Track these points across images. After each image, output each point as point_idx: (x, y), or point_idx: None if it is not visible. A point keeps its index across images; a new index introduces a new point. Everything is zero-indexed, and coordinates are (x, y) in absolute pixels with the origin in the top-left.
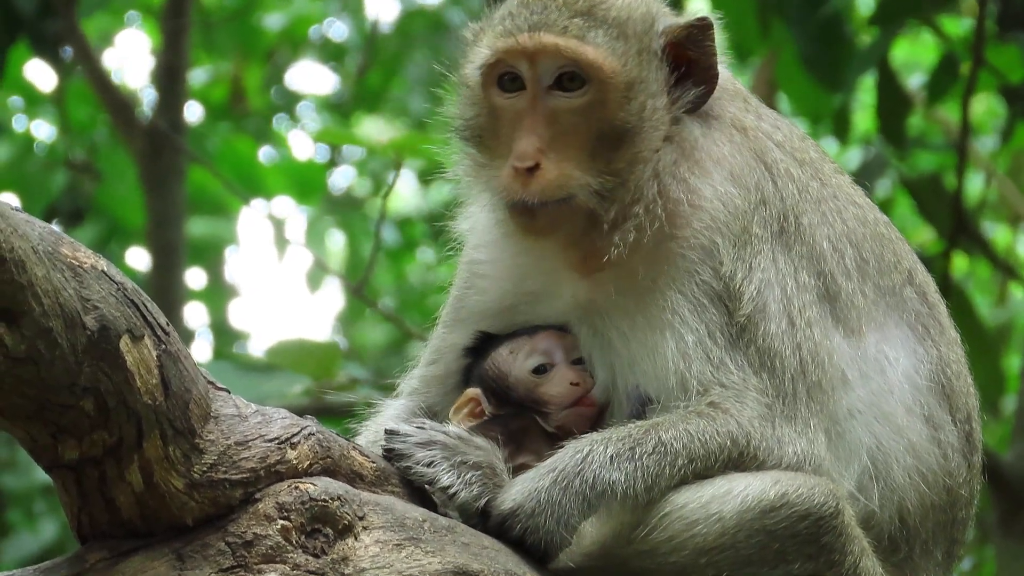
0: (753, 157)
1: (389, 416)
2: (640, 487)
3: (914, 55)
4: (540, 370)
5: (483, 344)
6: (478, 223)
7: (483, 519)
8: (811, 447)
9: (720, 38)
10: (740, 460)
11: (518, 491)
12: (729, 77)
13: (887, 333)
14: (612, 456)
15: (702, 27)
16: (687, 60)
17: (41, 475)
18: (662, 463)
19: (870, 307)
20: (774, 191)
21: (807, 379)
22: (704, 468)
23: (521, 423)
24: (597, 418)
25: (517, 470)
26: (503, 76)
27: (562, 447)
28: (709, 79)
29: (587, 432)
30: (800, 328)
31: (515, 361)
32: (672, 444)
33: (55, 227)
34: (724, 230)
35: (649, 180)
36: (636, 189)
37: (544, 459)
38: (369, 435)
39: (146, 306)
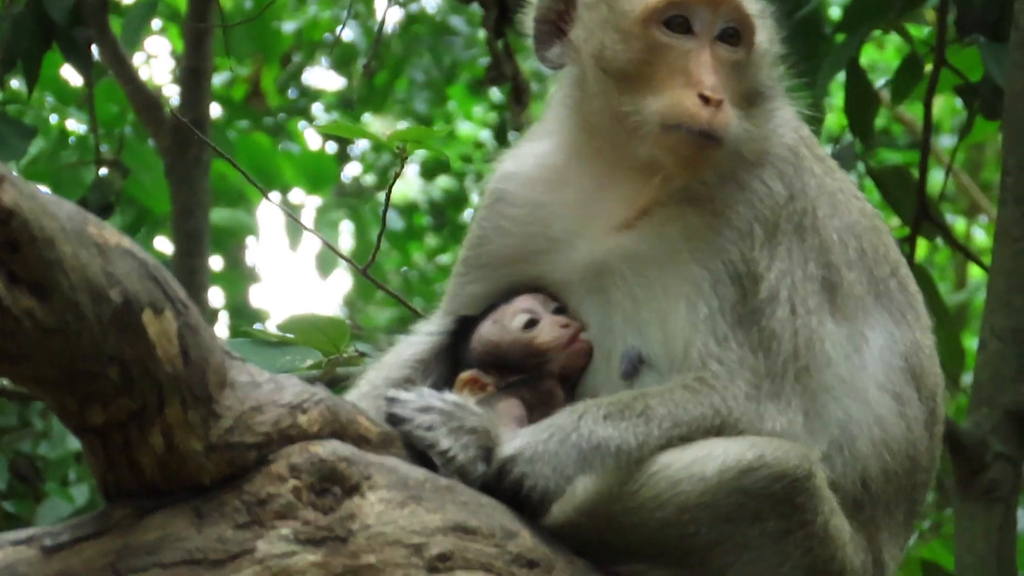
0: (791, 151)
1: (403, 352)
2: (632, 444)
3: (877, 59)
4: (530, 324)
5: (461, 328)
6: (526, 161)
7: (485, 468)
8: (790, 426)
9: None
10: (721, 430)
11: (519, 441)
12: None
13: (870, 317)
14: (605, 415)
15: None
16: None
17: (73, 444)
18: (650, 424)
19: (863, 295)
20: (801, 187)
21: (798, 363)
22: (688, 433)
23: (534, 389)
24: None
25: None
26: (672, 18)
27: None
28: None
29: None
30: (800, 316)
31: (503, 327)
32: (658, 409)
33: (80, 209)
34: (762, 220)
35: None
36: (761, 149)
37: None
38: (373, 375)
39: (167, 281)
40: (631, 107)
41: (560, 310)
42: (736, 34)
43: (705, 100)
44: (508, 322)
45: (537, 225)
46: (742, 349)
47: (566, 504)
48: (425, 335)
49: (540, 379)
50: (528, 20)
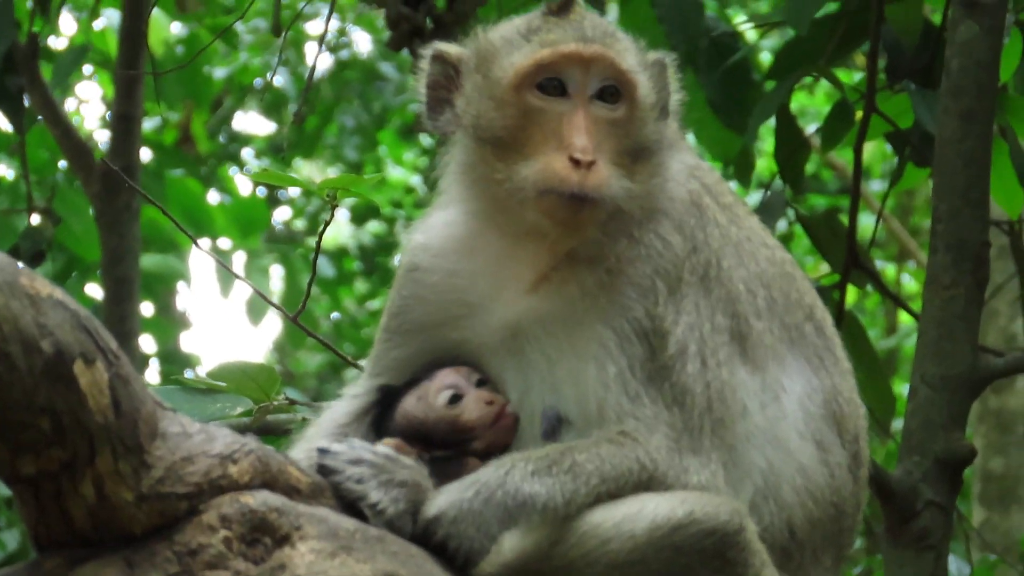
0: (692, 202)
1: (328, 419)
2: (559, 501)
3: (808, 104)
4: (454, 400)
5: (385, 398)
6: (435, 232)
7: (412, 526)
8: (713, 478)
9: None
10: (649, 484)
11: (443, 500)
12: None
13: (786, 365)
14: (532, 471)
15: (665, 64)
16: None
17: (3, 489)
18: (577, 481)
19: (775, 343)
20: (704, 238)
21: (712, 415)
22: (616, 489)
23: (456, 465)
24: (515, 434)
25: None
26: (545, 81)
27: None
28: (665, 114)
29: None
30: (711, 368)
31: (427, 403)
32: (586, 465)
33: (12, 259)
34: (663, 274)
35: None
36: (649, 206)
37: None
38: (308, 440)
39: (98, 332)
40: (505, 174)
41: (483, 382)
42: (615, 91)
43: (576, 163)
44: (432, 399)
45: (453, 292)
46: (655, 405)
47: (494, 561)
48: (351, 398)
49: (462, 458)
50: (419, 86)
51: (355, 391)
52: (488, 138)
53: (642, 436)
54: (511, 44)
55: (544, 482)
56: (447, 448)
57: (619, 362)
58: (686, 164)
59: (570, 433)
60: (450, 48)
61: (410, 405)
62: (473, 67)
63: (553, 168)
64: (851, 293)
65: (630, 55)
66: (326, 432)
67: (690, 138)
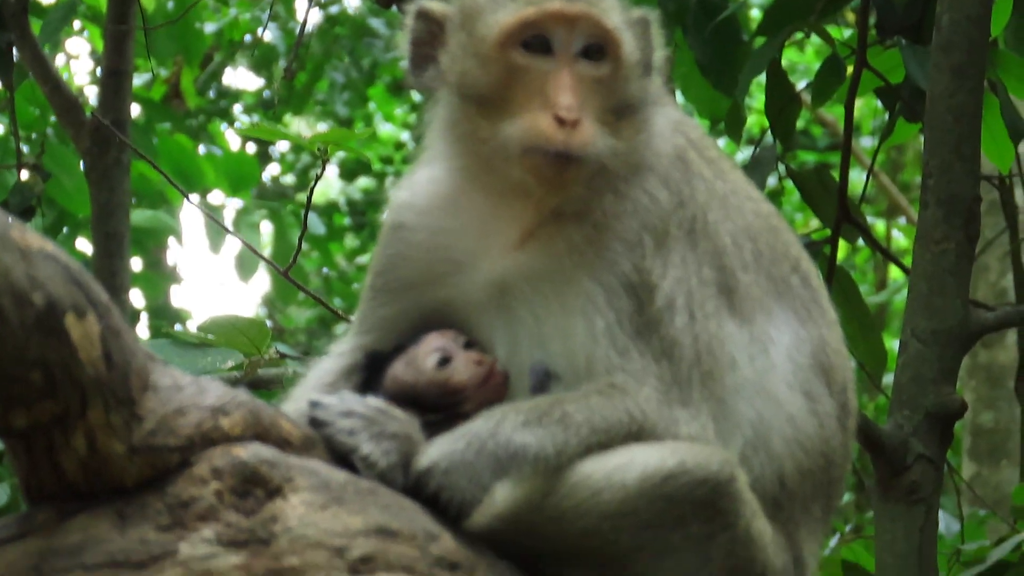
0: (677, 157)
1: (316, 375)
2: (550, 451)
3: (798, 61)
4: (443, 362)
5: (372, 364)
6: (420, 189)
7: (404, 478)
8: (702, 430)
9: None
10: (639, 436)
11: (434, 451)
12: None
13: (774, 317)
14: (523, 422)
15: (648, 22)
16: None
17: None
18: (568, 432)
19: (762, 296)
20: (690, 193)
21: (701, 368)
22: (606, 440)
23: (448, 428)
24: (506, 393)
25: None
26: (530, 39)
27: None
28: (650, 70)
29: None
30: (699, 321)
31: (417, 368)
32: (576, 416)
33: (3, 212)
34: (650, 229)
35: (626, 159)
36: (634, 162)
37: None
38: (296, 399)
39: (89, 285)
40: (489, 132)
41: (470, 344)
42: (600, 49)
43: (561, 121)
44: (421, 363)
45: (439, 250)
46: (644, 359)
47: (486, 512)
48: (338, 356)
49: (455, 422)
50: (404, 43)
51: (342, 349)
52: (472, 96)
53: (631, 389)
54: (496, 2)
55: (535, 432)
56: (438, 411)
57: (607, 316)
58: (671, 119)
59: (558, 388)
60: (434, 5)
61: (399, 370)
62: (458, 24)
63: (538, 126)
64: (842, 248)
65: (614, 13)
66: (314, 389)
67: (678, 97)
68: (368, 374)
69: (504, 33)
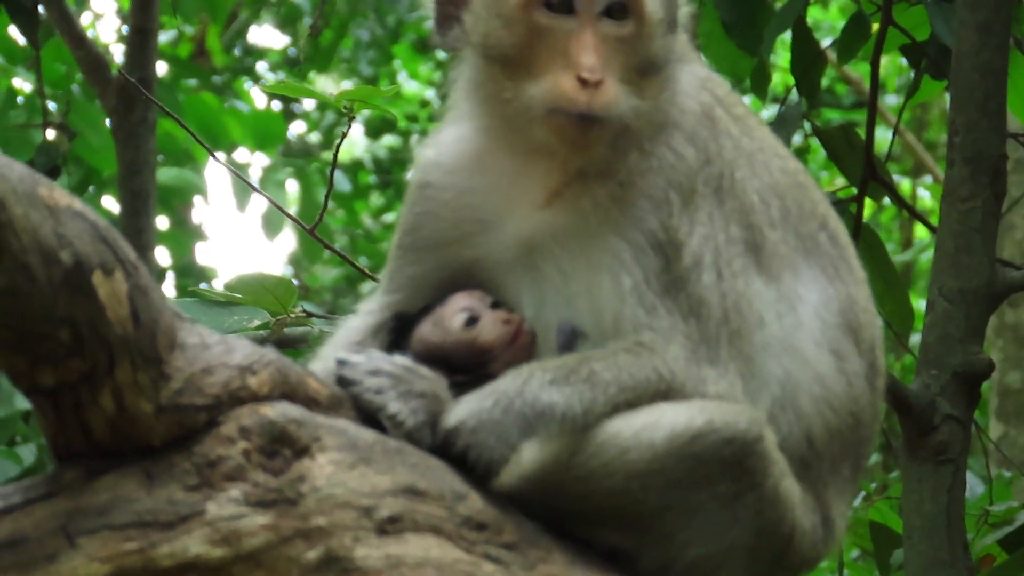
0: (704, 114)
1: (343, 334)
2: (577, 410)
3: (822, 19)
4: (470, 323)
5: (399, 325)
6: (446, 148)
7: (432, 437)
8: (731, 388)
9: None
10: (667, 395)
11: (462, 410)
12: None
13: (801, 275)
14: (550, 380)
15: None
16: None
17: (22, 402)
18: (595, 390)
19: (790, 253)
20: (717, 150)
21: (729, 326)
22: (634, 398)
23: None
24: (534, 353)
25: None
26: None
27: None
28: (674, 27)
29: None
30: (727, 279)
31: (444, 328)
32: (604, 374)
33: (32, 170)
34: (677, 186)
35: (651, 119)
36: (660, 120)
37: None
38: (324, 358)
39: (117, 243)
40: (513, 93)
41: (497, 304)
42: (623, 8)
43: (584, 82)
44: (448, 323)
45: (466, 210)
46: (672, 316)
47: (513, 472)
48: (366, 314)
49: (484, 382)
50: (428, 1)
51: (370, 307)
52: (496, 56)
53: (659, 347)
54: None
55: (562, 391)
56: (466, 372)
57: (634, 274)
58: (697, 76)
59: (586, 347)
60: None
61: (426, 331)
62: None
63: (561, 87)
64: (868, 207)
65: None
66: (342, 348)
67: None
68: (396, 335)
69: (507, 12)
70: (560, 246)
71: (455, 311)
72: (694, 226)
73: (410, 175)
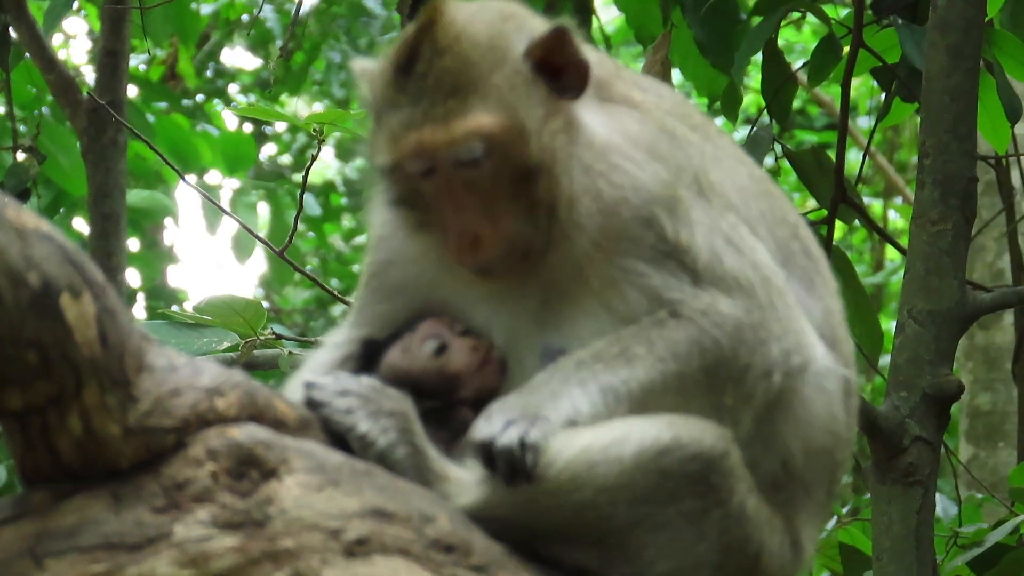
0: (657, 129)
1: (311, 366)
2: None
3: (795, 40)
4: (440, 351)
5: (368, 352)
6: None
7: (406, 451)
8: (810, 340)
9: (576, 38)
10: (736, 348)
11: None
12: (599, 59)
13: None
14: (598, 361)
15: (559, 36)
16: (555, 65)
17: None
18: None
19: (774, 258)
20: (684, 157)
21: (774, 283)
22: (715, 363)
23: (448, 421)
24: (504, 378)
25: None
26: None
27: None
28: (581, 73)
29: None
30: (747, 253)
31: (412, 355)
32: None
33: None
34: (659, 201)
35: (573, 184)
36: (567, 202)
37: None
38: (293, 386)
39: (85, 265)
40: (419, 235)
41: (466, 332)
42: (473, 160)
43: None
44: (417, 350)
45: (428, 259)
46: (710, 293)
47: (485, 486)
48: (333, 347)
49: (453, 409)
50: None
51: (337, 339)
52: (395, 204)
53: (712, 311)
54: (374, 114)
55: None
56: (435, 397)
57: (658, 275)
58: (637, 99)
59: None
60: (366, 66)
61: (395, 358)
62: (368, 107)
63: (451, 248)
64: (838, 229)
65: (479, 106)
66: (316, 373)
67: (676, 75)
68: (363, 362)
69: (384, 169)
70: (541, 290)
71: (423, 338)
72: (693, 225)
73: (370, 218)
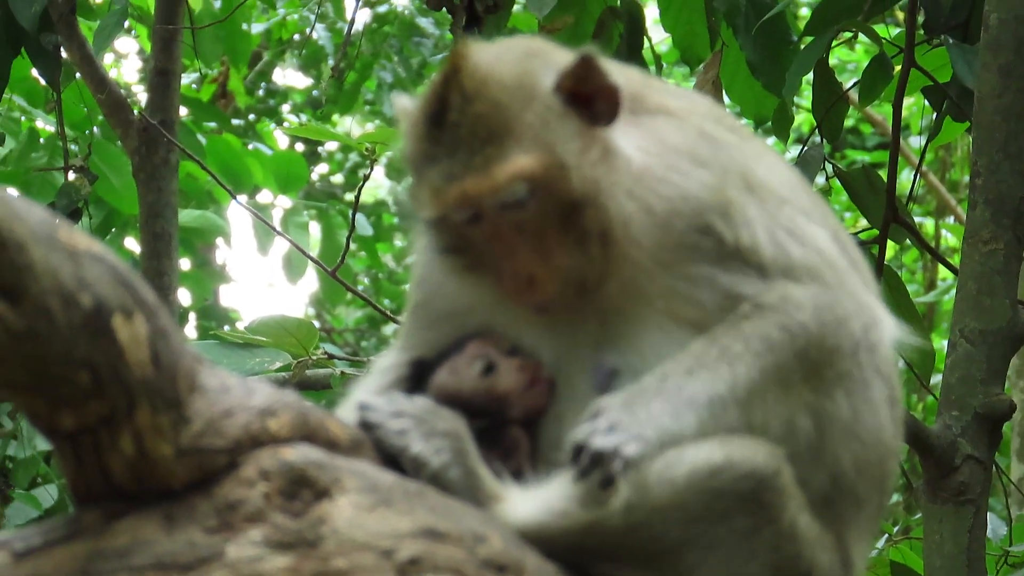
0: (696, 134)
1: (362, 391)
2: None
3: (847, 59)
4: (488, 371)
5: (417, 372)
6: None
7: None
8: (881, 313)
9: (602, 62)
10: (822, 328)
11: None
12: (626, 74)
13: None
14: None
15: (585, 65)
16: (585, 94)
17: (43, 444)
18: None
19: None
20: (727, 158)
21: (840, 264)
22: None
23: (498, 441)
24: (552, 397)
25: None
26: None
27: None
28: (612, 98)
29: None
30: (809, 241)
31: (460, 376)
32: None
33: (51, 213)
34: (711, 208)
35: (622, 207)
36: (619, 225)
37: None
38: (345, 409)
39: (136, 286)
40: (481, 284)
41: (514, 351)
42: (517, 202)
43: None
44: (464, 371)
45: (473, 288)
46: (782, 283)
47: (544, 508)
48: (381, 372)
49: (503, 428)
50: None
51: (385, 364)
52: (443, 251)
53: (794, 295)
54: (413, 168)
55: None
56: (484, 416)
57: (725, 276)
58: (672, 106)
59: (628, 379)
60: (406, 104)
61: (443, 379)
62: (405, 161)
63: (506, 290)
64: (890, 248)
65: (516, 148)
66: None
67: (724, 97)
68: (412, 382)
69: (428, 222)
70: (596, 312)
71: (471, 358)
72: (750, 224)
73: (415, 248)
